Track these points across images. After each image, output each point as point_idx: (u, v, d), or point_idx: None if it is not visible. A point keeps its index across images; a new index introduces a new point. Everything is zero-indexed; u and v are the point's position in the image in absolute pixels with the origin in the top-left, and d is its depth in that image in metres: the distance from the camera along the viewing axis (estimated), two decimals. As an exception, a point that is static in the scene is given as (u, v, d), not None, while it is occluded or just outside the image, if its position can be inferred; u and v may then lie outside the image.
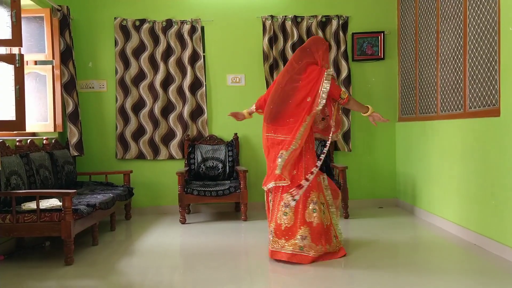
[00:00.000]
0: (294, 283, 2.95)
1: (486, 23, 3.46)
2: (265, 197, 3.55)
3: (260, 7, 5.29)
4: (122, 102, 5.19)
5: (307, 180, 3.27)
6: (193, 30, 5.19)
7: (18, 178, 3.57)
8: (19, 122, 3.41)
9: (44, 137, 4.49)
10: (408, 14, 5.03)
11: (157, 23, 5.19)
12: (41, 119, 4.75)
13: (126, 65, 5.18)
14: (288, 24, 5.23)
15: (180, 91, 5.21)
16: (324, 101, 3.32)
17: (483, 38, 3.50)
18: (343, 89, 3.43)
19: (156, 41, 5.20)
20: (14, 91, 3.38)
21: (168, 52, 5.19)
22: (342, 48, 5.22)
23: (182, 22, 5.20)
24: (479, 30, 3.56)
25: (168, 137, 5.23)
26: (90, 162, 5.16)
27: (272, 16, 5.21)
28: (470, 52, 3.70)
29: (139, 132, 5.21)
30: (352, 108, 3.64)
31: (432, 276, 2.94)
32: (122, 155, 5.21)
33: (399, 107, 5.36)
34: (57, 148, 4.60)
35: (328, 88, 3.33)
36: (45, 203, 3.47)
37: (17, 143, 3.91)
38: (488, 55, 3.43)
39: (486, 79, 3.46)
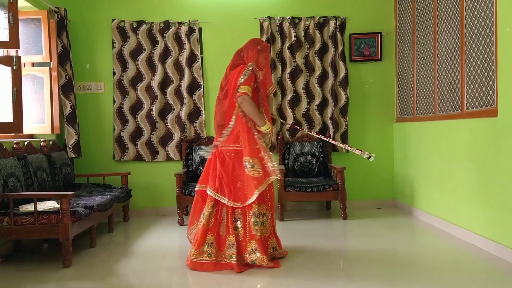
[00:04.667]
0: (300, 284, 2.95)
1: (483, 23, 3.47)
2: (215, 209, 3.26)
3: (257, 8, 5.29)
4: (119, 103, 5.18)
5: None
6: (190, 31, 5.19)
7: (15, 180, 3.56)
8: (17, 124, 3.41)
9: (41, 139, 4.48)
10: (406, 15, 5.04)
11: (155, 25, 5.19)
12: (38, 121, 4.74)
13: (124, 66, 5.18)
14: (286, 25, 5.24)
15: (177, 92, 5.21)
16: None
17: (480, 38, 3.51)
18: (245, 86, 3.17)
19: (153, 42, 5.19)
20: (11, 93, 3.37)
21: (165, 53, 5.19)
22: (340, 49, 5.23)
23: (180, 24, 5.20)
24: (476, 31, 3.58)
25: (166, 138, 5.22)
26: (88, 164, 5.16)
27: (269, 17, 5.22)
28: (467, 52, 3.72)
29: (137, 133, 5.20)
30: (246, 111, 3.19)
31: (430, 276, 2.95)
32: (120, 156, 5.20)
33: (396, 108, 5.37)
34: (54, 150, 4.59)
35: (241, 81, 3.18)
36: (43, 205, 3.47)
37: (15, 145, 3.90)
38: (485, 55, 3.44)
39: (484, 79, 3.47)
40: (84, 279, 3.09)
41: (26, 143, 4.11)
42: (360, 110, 5.38)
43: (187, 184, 4.85)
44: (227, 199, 3.21)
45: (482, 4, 3.47)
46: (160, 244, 3.98)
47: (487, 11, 3.40)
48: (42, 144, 4.42)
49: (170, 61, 5.18)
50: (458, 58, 3.86)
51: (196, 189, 3.46)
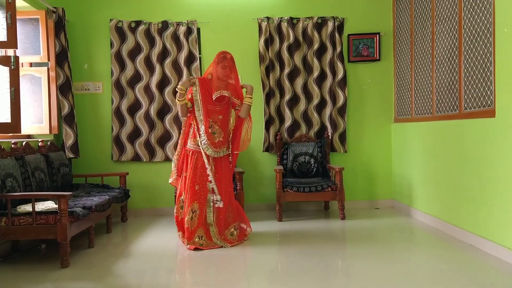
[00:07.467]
0: (299, 284, 2.95)
1: (481, 24, 3.48)
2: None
3: (256, 8, 5.29)
4: (118, 103, 5.17)
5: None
6: (189, 31, 5.19)
7: (13, 181, 3.56)
8: (15, 124, 3.40)
9: (39, 139, 4.47)
10: (404, 15, 5.05)
11: (153, 25, 5.19)
12: (36, 121, 4.74)
13: (122, 66, 5.17)
14: (284, 25, 5.24)
15: (176, 93, 5.19)
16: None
17: (478, 39, 3.52)
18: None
19: (152, 42, 5.19)
20: (9, 93, 3.37)
21: (164, 53, 5.19)
22: (338, 49, 5.23)
23: (178, 24, 5.20)
24: (474, 32, 3.58)
25: (164, 139, 5.22)
26: (86, 164, 5.15)
27: (268, 18, 5.22)
28: (465, 53, 3.72)
29: (135, 134, 5.20)
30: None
31: (428, 276, 2.95)
32: (118, 157, 5.19)
33: (394, 108, 5.38)
34: (52, 150, 4.58)
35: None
36: (41, 206, 3.46)
37: (13, 146, 3.89)
38: (483, 56, 3.45)
39: (481, 80, 3.48)
40: (82, 280, 3.09)
41: (24, 143, 4.11)
42: (358, 111, 5.39)
43: (185, 185, 4.84)
44: None
45: (480, 5, 3.48)
46: (158, 244, 3.97)
47: (485, 12, 3.41)
48: (40, 144, 4.41)
49: (168, 61, 5.18)
50: (456, 59, 3.87)
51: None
